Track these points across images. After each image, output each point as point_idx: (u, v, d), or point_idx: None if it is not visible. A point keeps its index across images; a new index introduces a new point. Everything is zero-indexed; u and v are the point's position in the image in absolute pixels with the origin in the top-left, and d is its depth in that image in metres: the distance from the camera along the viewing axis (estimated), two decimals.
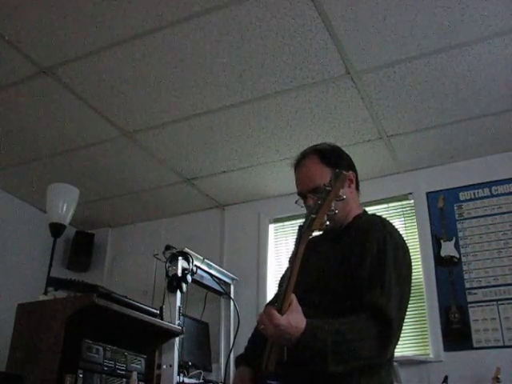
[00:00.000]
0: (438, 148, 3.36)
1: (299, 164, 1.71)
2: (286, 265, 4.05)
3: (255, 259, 3.84)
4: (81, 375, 2.32)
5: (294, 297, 1.30)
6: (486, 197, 3.33)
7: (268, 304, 1.84)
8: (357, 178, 1.71)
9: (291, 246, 4.39)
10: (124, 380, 2.58)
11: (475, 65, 2.62)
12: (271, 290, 3.72)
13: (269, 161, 3.51)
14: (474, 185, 3.38)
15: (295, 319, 1.28)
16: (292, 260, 1.30)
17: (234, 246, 3.98)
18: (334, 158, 1.67)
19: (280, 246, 3.88)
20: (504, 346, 2.97)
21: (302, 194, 1.66)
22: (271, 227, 3.95)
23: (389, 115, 3.03)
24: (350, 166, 1.70)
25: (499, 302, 3.06)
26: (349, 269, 1.47)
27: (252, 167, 3.60)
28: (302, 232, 1.30)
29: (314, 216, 1.27)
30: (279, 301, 1.31)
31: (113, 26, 2.41)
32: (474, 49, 2.51)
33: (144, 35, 2.46)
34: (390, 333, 1.37)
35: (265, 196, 3.97)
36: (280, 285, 1.82)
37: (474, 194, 3.37)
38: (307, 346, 1.28)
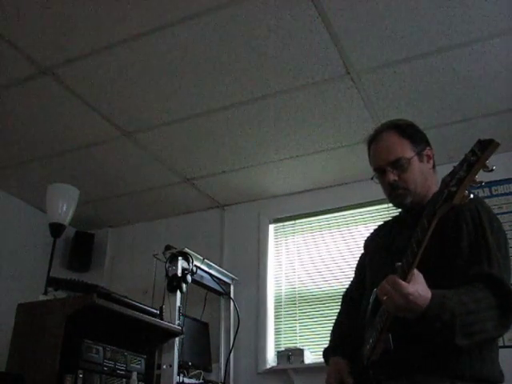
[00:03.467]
0: (438, 148, 3.34)
1: (376, 138, 1.65)
2: (289, 264, 3.98)
3: (255, 259, 3.84)
4: (81, 375, 2.32)
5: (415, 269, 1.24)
6: (486, 197, 3.31)
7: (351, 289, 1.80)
8: (433, 155, 1.68)
9: (291, 247, 4.34)
10: (124, 380, 2.58)
11: (475, 65, 2.62)
12: (271, 290, 3.72)
13: (269, 161, 3.51)
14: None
15: (422, 288, 1.23)
16: (421, 234, 1.23)
17: (234, 246, 3.97)
18: (411, 131, 1.64)
19: (280, 246, 3.87)
20: (504, 346, 2.95)
21: (381, 169, 1.61)
22: (271, 227, 3.95)
23: (389, 115, 3.01)
24: (427, 141, 1.65)
25: None
26: (445, 244, 1.41)
27: (252, 167, 3.59)
28: (437, 207, 1.20)
29: (454, 189, 1.17)
30: (401, 272, 1.24)
31: (113, 26, 2.41)
32: (473, 49, 2.51)
33: (144, 35, 2.46)
34: (510, 303, 1.30)
35: (265, 196, 3.97)
36: (358, 270, 1.79)
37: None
38: (435, 317, 1.23)
